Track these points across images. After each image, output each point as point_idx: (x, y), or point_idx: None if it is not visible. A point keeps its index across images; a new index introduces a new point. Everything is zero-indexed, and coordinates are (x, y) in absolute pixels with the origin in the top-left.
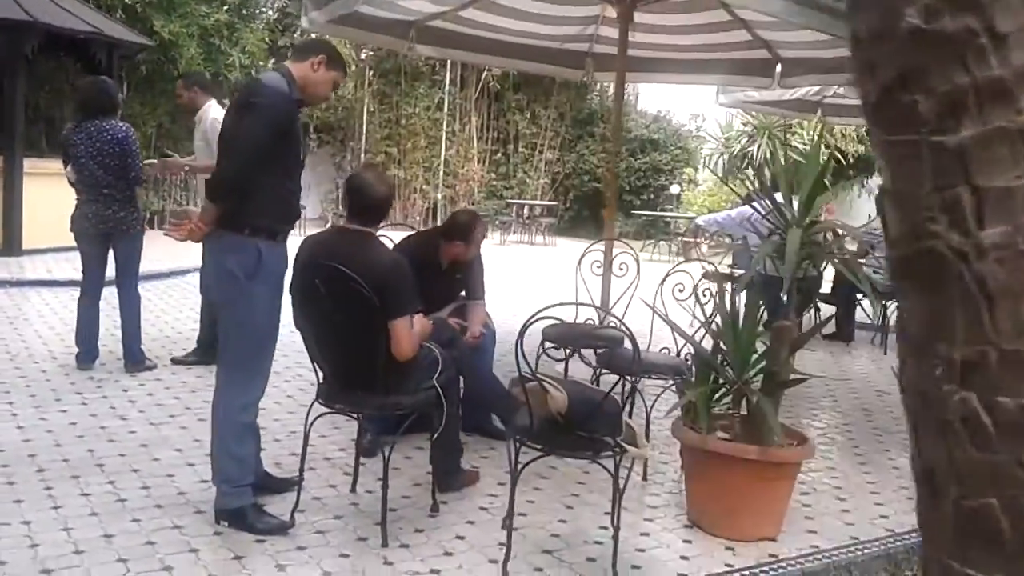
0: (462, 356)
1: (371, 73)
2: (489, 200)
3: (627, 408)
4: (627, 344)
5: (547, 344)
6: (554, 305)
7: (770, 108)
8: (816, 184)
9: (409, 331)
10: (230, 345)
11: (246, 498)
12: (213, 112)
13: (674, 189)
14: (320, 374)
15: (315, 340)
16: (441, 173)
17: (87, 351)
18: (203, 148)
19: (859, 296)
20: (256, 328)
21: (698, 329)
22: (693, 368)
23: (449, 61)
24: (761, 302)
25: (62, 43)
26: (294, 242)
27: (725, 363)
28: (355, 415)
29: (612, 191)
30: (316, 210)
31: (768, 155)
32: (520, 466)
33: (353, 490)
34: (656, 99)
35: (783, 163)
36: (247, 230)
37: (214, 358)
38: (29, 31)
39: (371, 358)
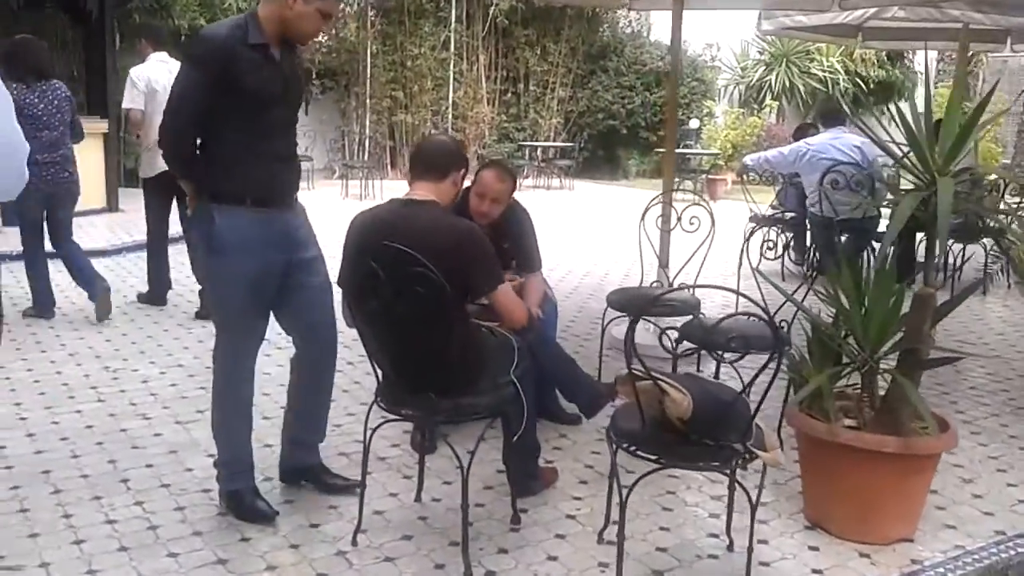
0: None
1: (373, 13)
2: (501, 143)
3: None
4: (705, 311)
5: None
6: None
7: (810, 34)
8: (968, 126)
9: (515, 296)
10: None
11: (241, 481)
12: (145, 65)
13: (693, 124)
14: (380, 373)
15: (374, 337)
16: (450, 116)
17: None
18: None
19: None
20: (224, 307)
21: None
22: (790, 340)
23: None
24: (813, 244)
25: None
26: (333, 217)
27: (847, 335)
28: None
29: (671, 135)
30: (322, 160)
31: (787, 84)
32: (631, 481)
33: (418, 499)
34: (670, 29)
35: (803, 92)
36: (207, 197)
37: None
38: None
39: (444, 354)
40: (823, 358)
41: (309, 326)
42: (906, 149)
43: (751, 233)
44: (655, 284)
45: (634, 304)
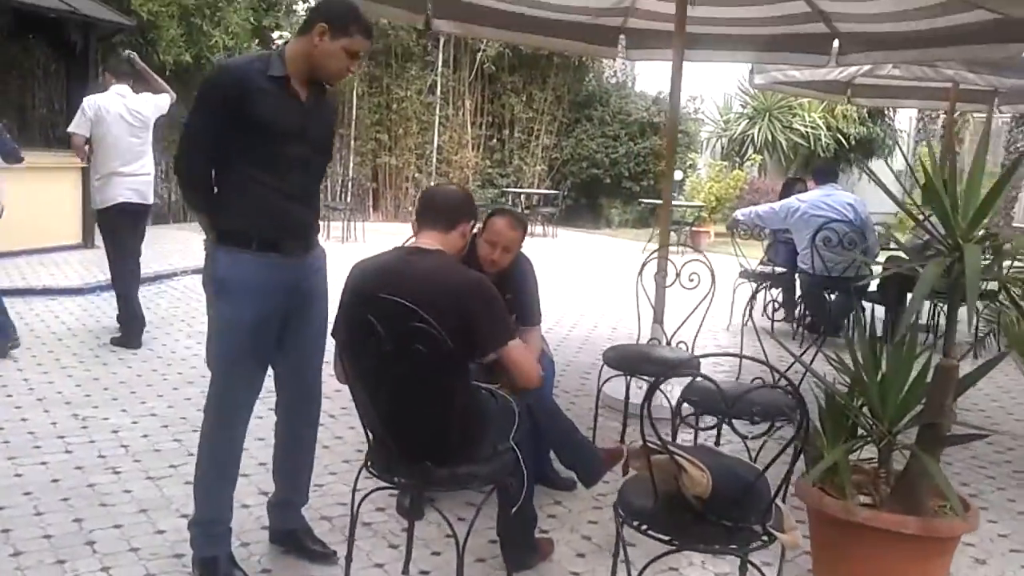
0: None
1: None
2: (484, 188)
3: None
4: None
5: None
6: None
7: (800, 89)
8: (996, 189)
9: (528, 351)
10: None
11: (218, 546)
12: (100, 94)
13: (677, 175)
14: (370, 435)
15: (367, 396)
16: (434, 160)
17: None
18: None
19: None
20: (221, 353)
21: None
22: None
23: (442, 40)
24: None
25: (32, 23)
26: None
27: (863, 405)
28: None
29: (667, 187)
30: None
31: (770, 138)
32: (634, 558)
33: (406, 571)
34: (655, 80)
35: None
36: (215, 236)
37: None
38: None
39: (443, 420)
40: (837, 429)
41: (294, 376)
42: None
43: (755, 291)
44: (652, 341)
45: (631, 362)
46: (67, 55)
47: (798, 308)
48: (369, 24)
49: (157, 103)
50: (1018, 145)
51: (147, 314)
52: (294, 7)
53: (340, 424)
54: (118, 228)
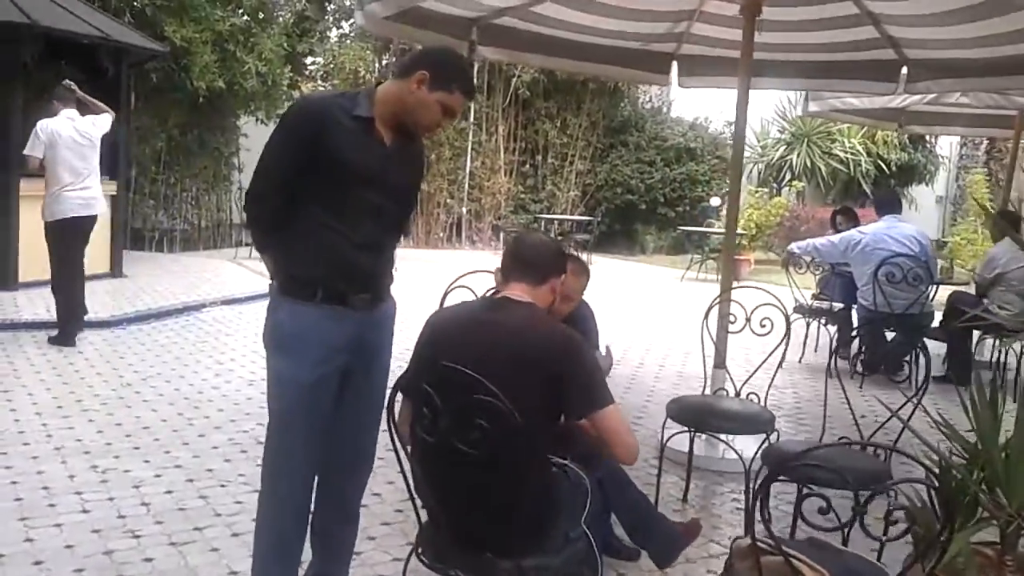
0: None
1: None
2: (517, 214)
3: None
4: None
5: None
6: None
7: (854, 116)
8: None
9: (625, 421)
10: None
11: None
12: (52, 119)
13: (714, 201)
14: (423, 516)
15: (424, 471)
16: (466, 186)
17: None
18: None
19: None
20: (280, 418)
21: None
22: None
23: (476, 65)
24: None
25: (64, 49)
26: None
27: (982, 480)
28: None
29: (731, 224)
30: None
31: (808, 164)
32: None
33: None
34: (691, 105)
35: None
36: (276, 284)
37: None
38: (28, 36)
39: (511, 506)
40: (952, 506)
41: (348, 437)
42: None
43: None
44: (719, 392)
45: (698, 416)
46: (98, 80)
47: (853, 345)
48: (472, 84)
49: (100, 123)
50: None
51: (174, 348)
52: (328, 33)
53: (378, 478)
54: (68, 238)
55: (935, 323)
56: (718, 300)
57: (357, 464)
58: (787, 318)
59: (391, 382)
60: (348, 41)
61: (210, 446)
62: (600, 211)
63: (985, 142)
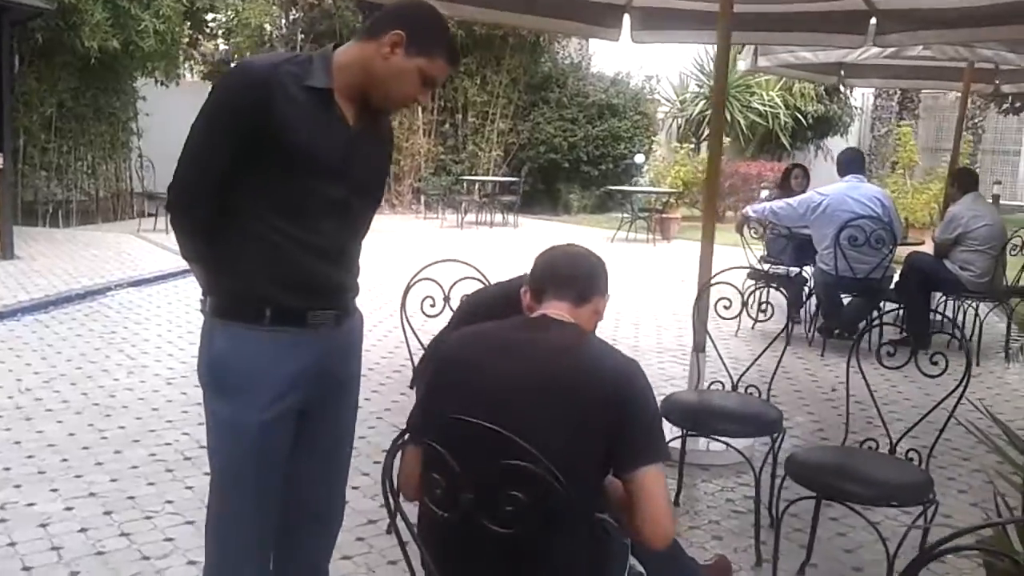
0: None
1: (302, 37)
2: (438, 176)
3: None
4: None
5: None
6: None
7: (796, 72)
8: None
9: (668, 489)
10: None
11: None
12: None
13: (638, 159)
14: None
15: (437, 554)
16: None
17: None
18: None
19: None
20: (224, 476)
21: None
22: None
23: None
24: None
25: None
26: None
27: None
28: None
29: (711, 192)
30: None
31: (728, 118)
32: None
33: None
34: (611, 60)
35: (743, 126)
36: (211, 304)
37: None
38: None
39: None
40: None
41: (308, 488)
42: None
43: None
44: (714, 385)
45: (699, 418)
46: None
47: (804, 309)
48: (456, 49)
49: None
50: (976, 120)
51: (79, 343)
52: None
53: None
54: None
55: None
56: (711, 283)
57: (322, 524)
58: (789, 304)
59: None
60: None
61: (128, 465)
62: (524, 171)
63: (898, 93)
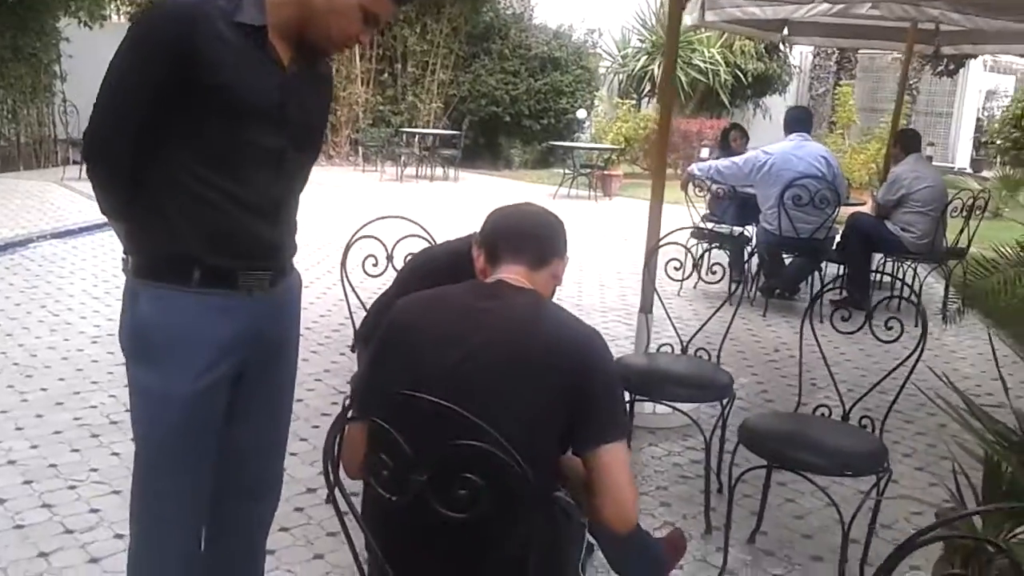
0: None
1: None
2: (376, 128)
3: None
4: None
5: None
6: None
7: (739, 27)
8: None
9: (630, 466)
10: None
11: None
12: None
13: (580, 114)
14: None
15: (384, 539)
16: None
17: None
18: None
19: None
20: (152, 448)
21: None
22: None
23: None
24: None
25: None
26: None
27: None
28: None
29: (661, 151)
30: None
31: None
32: None
33: None
34: (554, 12)
35: (684, 83)
36: (133, 264)
37: None
38: None
39: (508, 569)
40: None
41: (243, 461)
42: None
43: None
44: (664, 348)
45: (652, 383)
46: None
47: (746, 269)
48: None
49: None
50: (911, 82)
51: None
52: None
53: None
54: None
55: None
56: (661, 244)
57: (258, 499)
58: (741, 266)
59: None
60: None
61: (51, 430)
62: (465, 124)
63: (836, 53)
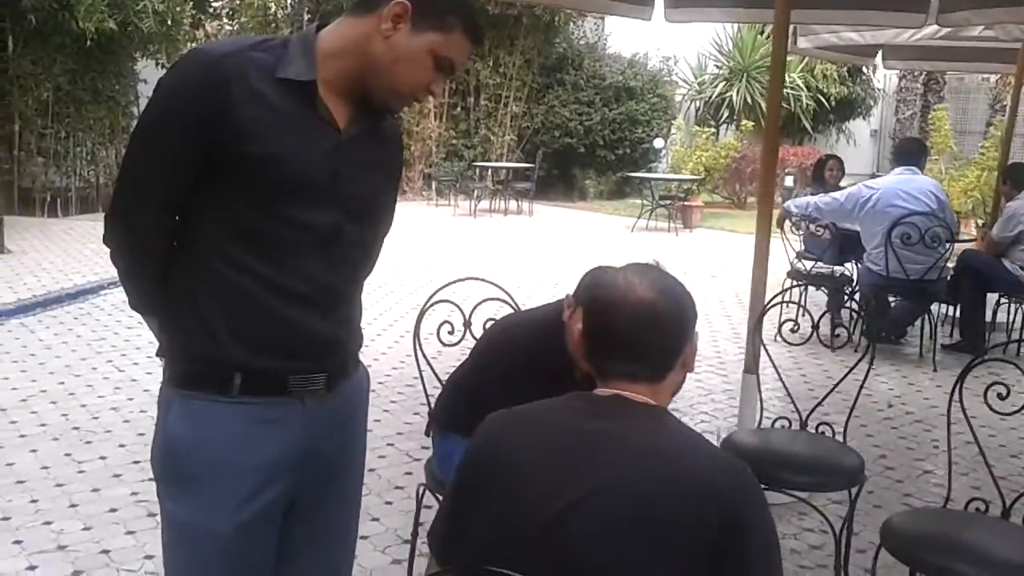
0: None
1: (308, 17)
2: (449, 161)
3: None
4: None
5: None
6: None
7: (834, 54)
8: None
9: None
10: None
11: None
12: None
13: (658, 143)
14: None
15: None
16: None
17: None
18: None
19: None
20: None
21: None
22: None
23: None
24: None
25: None
26: None
27: None
28: None
29: (768, 186)
30: None
31: (748, 100)
32: None
33: None
34: (629, 41)
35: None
36: (167, 371)
37: None
38: None
39: None
40: None
41: None
42: None
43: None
44: (780, 422)
45: (766, 470)
46: None
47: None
48: (477, 20)
49: None
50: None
51: (63, 351)
52: None
53: None
54: None
55: None
56: (772, 304)
57: None
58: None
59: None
60: None
61: (106, 508)
62: (539, 156)
63: (923, 74)
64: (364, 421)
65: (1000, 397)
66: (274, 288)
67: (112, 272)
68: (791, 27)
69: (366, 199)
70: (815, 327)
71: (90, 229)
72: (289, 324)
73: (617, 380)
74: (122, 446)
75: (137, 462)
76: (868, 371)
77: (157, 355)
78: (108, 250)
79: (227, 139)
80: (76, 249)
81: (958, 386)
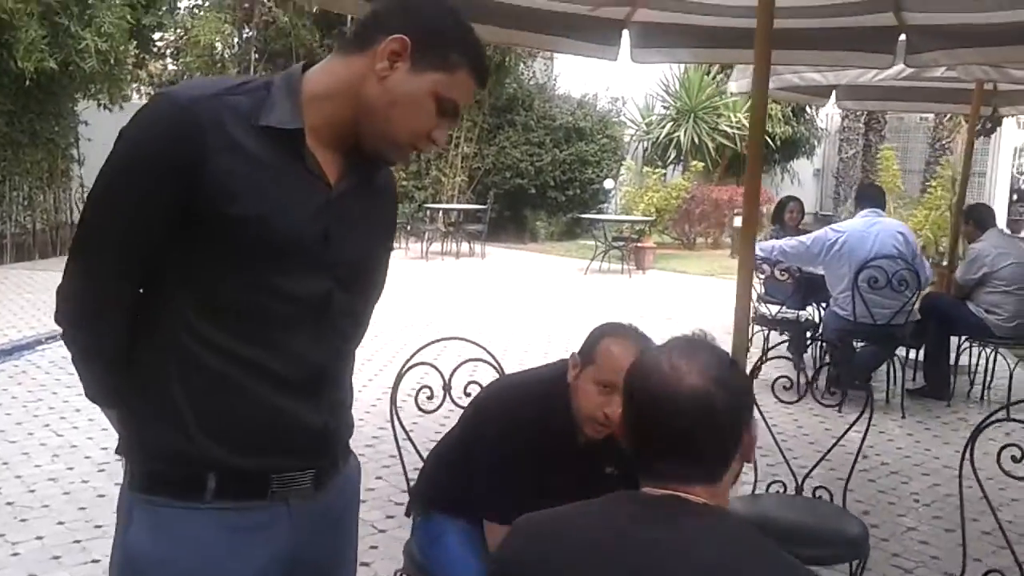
0: None
1: (256, 57)
2: (401, 204)
3: None
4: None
5: None
6: None
7: (791, 94)
8: None
9: None
10: None
11: None
12: None
13: (608, 184)
14: None
15: None
16: None
17: None
18: None
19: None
20: None
21: None
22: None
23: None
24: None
25: None
26: None
27: None
28: None
29: (749, 231)
30: None
31: (696, 140)
32: None
33: None
34: (577, 81)
35: (711, 148)
36: (128, 473)
37: None
38: None
39: None
40: None
41: None
42: None
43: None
44: (775, 485)
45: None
46: None
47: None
48: (484, 58)
49: None
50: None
51: None
52: (178, 3)
53: None
54: None
55: None
56: (765, 360)
57: None
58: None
59: None
60: (201, 12)
61: None
62: (490, 198)
63: (864, 113)
64: (356, 519)
65: (1014, 460)
66: (256, 372)
67: (51, 326)
68: (748, 68)
69: (358, 263)
70: (810, 385)
71: (26, 278)
72: (274, 414)
73: (670, 479)
74: (61, 523)
75: (78, 541)
76: (867, 430)
77: (116, 453)
78: (50, 304)
79: (202, 196)
80: (11, 300)
81: (969, 446)
